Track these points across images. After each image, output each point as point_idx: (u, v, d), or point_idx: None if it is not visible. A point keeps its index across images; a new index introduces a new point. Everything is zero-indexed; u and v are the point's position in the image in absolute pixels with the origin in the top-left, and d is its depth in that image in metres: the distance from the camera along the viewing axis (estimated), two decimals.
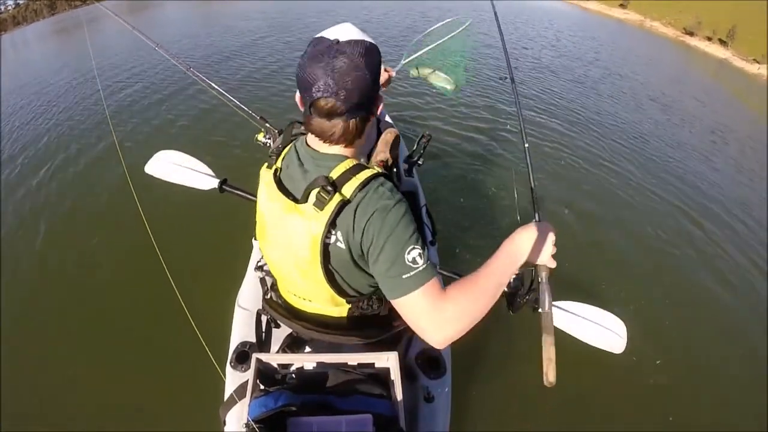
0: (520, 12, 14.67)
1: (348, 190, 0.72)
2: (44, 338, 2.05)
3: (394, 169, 2.34)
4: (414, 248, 0.69)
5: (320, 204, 0.72)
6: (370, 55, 0.70)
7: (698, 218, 3.79)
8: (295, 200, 0.77)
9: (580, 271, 2.73)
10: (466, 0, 10.75)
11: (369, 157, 2.37)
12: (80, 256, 2.55)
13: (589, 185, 3.83)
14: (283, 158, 0.84)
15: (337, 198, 0.71)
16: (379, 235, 0.70)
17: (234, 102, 1.90)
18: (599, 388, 1.99)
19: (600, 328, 1.09)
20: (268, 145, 1.77)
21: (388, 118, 2.78)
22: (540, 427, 1.80)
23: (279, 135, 1.74)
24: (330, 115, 0.71)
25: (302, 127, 0.81)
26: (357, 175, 0.73)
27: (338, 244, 0.76)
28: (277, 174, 0.83)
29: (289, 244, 0.81)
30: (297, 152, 0.81)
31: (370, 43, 0.71)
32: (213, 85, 1.93)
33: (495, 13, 1.99)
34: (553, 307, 1.10)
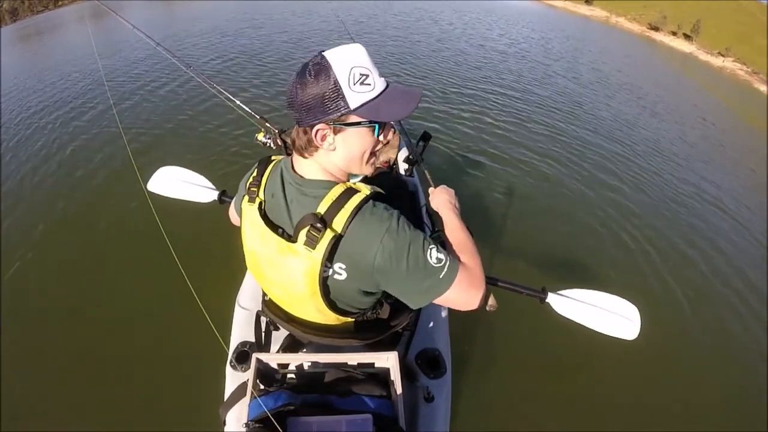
0: (492, 11, 14.61)
1: (339, 223, 0.70)
2: (44, 336, 2.05)
3: (394, 167, 2.35)
4: (431, 248, 0.72)
5: (311, 243, 0.71)
6: (318, 77, 0.68)
7: (702, 208, 3.83)
8: (288, 238, 0.76)
9: (585, 257, 2.75)
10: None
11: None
12: (84, 253, 2.55)
13: (601, 176, 3.84)
14: (265, 188, 0.81)
15: (328, 234, 0.70)
16: (400, 255, 0.70)
17: (234, 102, 1.90)
18: (600, 387, 1.99)
19: (610, 314, 1.06)
20: (268, 144, 1.77)
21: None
22: (540, 427, 1.80)
23: (278, 135, 1.74)
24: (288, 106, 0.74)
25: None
26: (346, 205, 0.71)
27: (336, 276, 0.75)
28: (262, 207, 0.80)
29: (286, 282, 0.80)
30: (282, 178, 0.79)
31: (332, 69, 0.68)
32: (215, 85, 1.93)
33: None
34: (559, 296, 1.11)
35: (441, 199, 0.99)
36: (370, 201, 0.73)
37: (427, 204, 1.02)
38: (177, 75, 5.41)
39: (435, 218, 1.01)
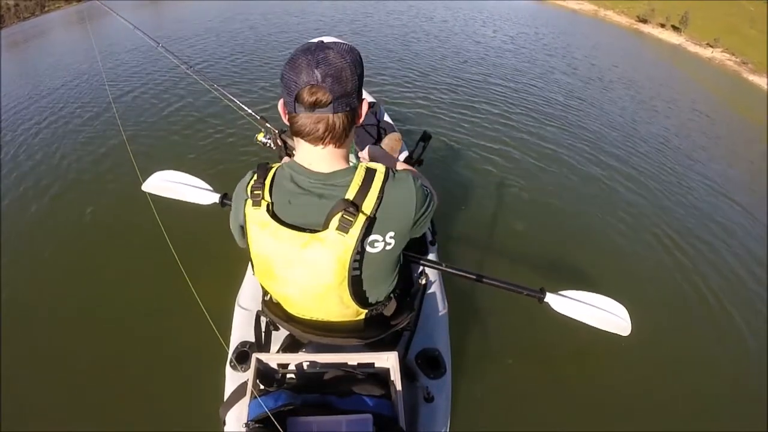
0: (483, 8, 14.45)
1: (368, 205, 0.74)
2: (43, 336, 2.05)
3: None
4: (421, 181, 0.84)
5: (344, 227, 0.73)
6: (354, 53, 0.73)
7: (703, 204, 3.84)
8: (309, 231, 0.76)
9: (575, 260, 2.76)
10: None
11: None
12: (85, 253, 2.56)
13: (589, 175, 3.84)
14: (271, 193, 0.79)
15: (361, 218, 0.73)
16: (423, 200, 0.82)
17: (234, 102, 1.91)
18: (599, 388, 1.99)
19: (605, 313, 1.13)
20: (268, 145, 1.78)
21: (387, 118, 2.78)
22: (541, 427, 1.80)
23: (279, 135, 1.74)
24: (314, 106, 0.70)
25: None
26: (372, 187, 0.75)
27: (387, 247, 0.79)
28: (270, 209, 0.78)
29: (309, 277, 0.79)
30: (295, 182, 0.78)
31: (353, 46, 0.75)
32: (215, 85, 1.94)
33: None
34: (557, 296, 1.14)
35: (379, 150, 1.12)
36: (389, 172, 0.79)
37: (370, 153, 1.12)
38: (177, 76, 5.41)
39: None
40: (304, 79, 0.69)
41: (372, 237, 0.77)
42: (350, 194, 0.74)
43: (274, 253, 0.79)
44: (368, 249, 0.78)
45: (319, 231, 0.75)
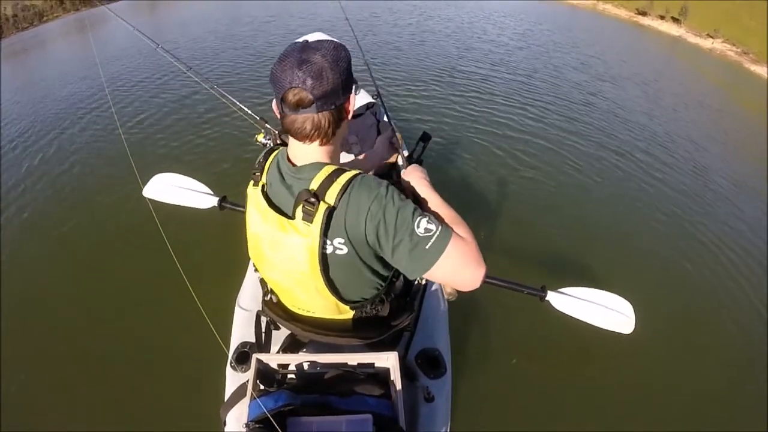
0: (482, 6, 14.40)
1: (331, 196, 0.72)
2: (44, 336, 2.05)
3: (393, 171, 2.35)
4: (420, 218, 0.71)
5: (308, 217, 0.73)
6: (339, 51, 0.73)
7: (708, 200, 3.86)
8: (288, 217, 0.78)
9: (577, 256, 2.76)
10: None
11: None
12: (86, 256, 2.56)
13: (596, 170, 3.83)
14: (267, 173, 0.83)
15: (322, 207, 0.72)
16: (387, 224, 0.70)
17: (234, 103, 1.91)
18: (599, 387, 1.99)
19: (607, 310, 1.12)
20: (268, 145, 1.78)
21: (387, 118, 2.78)
22: (541, 426, 1.80)
23: (278, 135, 1.74)
24: (298, 106, 0.71)
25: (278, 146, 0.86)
26: (337, 180, 0.73)
27: (338, 252, 0.77)
28: (264, 190, 0.82)
29: (288, 262, 0.81)
30: (279, 167, 0.81)
31: (339, 42, 0.75)
32: (215, 87, 1.94)
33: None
34: (558, 294, 1.14)
35: (414, 176, 0.92)
36: (360, 174, 0.75)
37: (401, 182, 0.94)
38: (176, 77, 5.42)
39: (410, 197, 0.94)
40: (287, 81, 0.69)
41: (324, 237, 0.75)
42: (314, 185, 0.74)
43: (263, 233, 0.82)
44: (326, 249, 0.77)
45: (290, 216, 0.77)
